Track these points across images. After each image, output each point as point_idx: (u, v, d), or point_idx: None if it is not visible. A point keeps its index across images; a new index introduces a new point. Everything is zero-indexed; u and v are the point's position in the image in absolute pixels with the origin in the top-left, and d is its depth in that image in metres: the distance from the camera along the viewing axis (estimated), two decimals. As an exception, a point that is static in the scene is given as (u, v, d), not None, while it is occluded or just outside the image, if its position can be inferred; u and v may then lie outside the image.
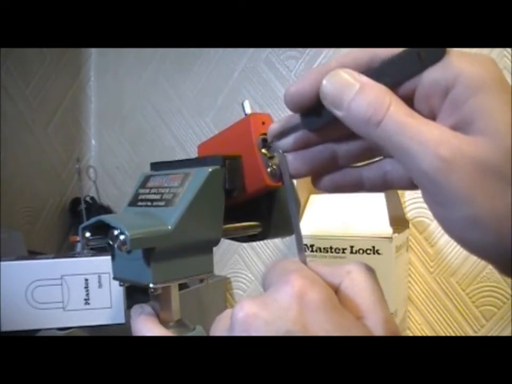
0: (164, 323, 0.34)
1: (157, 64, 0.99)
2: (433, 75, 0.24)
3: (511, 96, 0.23)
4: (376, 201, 0.58)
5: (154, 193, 0.36)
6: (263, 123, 0.34)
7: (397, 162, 0.25)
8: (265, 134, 0.33)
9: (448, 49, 0.24)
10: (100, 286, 0.55)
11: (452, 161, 0.22)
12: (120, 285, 0.36)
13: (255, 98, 0.85)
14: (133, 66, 1.04)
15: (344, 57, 0.26)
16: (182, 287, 0.45)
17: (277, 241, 0.83)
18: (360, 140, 0.27)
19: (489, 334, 0.67)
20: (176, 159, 0.40)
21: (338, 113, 0.25)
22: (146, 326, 0.33)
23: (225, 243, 0.84)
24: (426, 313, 0.71)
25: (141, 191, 0.37)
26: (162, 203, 0.34)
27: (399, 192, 0.68)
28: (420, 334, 0.72)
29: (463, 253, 0.68)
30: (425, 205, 0.25)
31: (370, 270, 0.26)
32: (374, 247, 0.55)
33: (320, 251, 0.58)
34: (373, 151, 0.28)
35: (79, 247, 0.96)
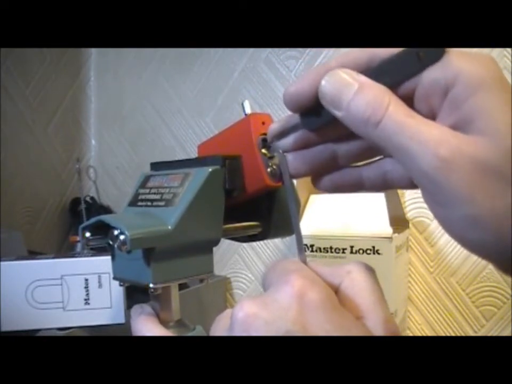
0: (163, 323, 0.34)
1: (157, 64, 0.99)
2: (432, 74, 0.24)
3: (511, 95, 0.23)
4: (376, 201, 0.58)
5: (154, 193, 0.36)
6: (263, 123, 0.34)
7: (397, 162, 0.25)
8: (265, 134, 0.33)
9: (447, 48, 0.24)
10: (100, 286, 0.55)
11: (452, 160, 0.22)
12: (120, 285, 0.36)
13: (255, 98, 0.85)
14: (133, 66, 1.04)
15: (344, 57, 0.26)
16: (182, 287, 0.45)
17: (277, 241, 0.83)
18: (360, 139, 0.27)
19: (489, 334, 0.67)
20: (176, 159, 0.40)
21: (338, 113, 0.25)
22: (146, 326, 0.33)
23: (225, 243, 0.84)
24: (426, 313, 0.71)
25: (141, 191, 0.37)
26: (162, 203, 0.34)
27: (399, 192, 0.68)
28: (420, 334, 0.72)
29: (463, 253, 0.68)
30: (425, 205, 0.25)
31: (370, 270, 0.26)
32: (374, 247, 0.55)
33: (320, 251, 0.58)
34: (373, 151, 0.28)
35: (79, 247, 0.96)
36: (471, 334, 0.68)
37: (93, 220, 0.33)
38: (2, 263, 0.54)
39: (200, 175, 0.34)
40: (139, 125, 1.04)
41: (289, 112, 0.28)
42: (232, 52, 0.88)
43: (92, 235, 0.33)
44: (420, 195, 0.25)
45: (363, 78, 0.25)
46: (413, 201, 0.71)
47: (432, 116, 0.24)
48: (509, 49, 0.63)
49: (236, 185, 0.35)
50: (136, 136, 1.04)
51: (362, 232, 0.56)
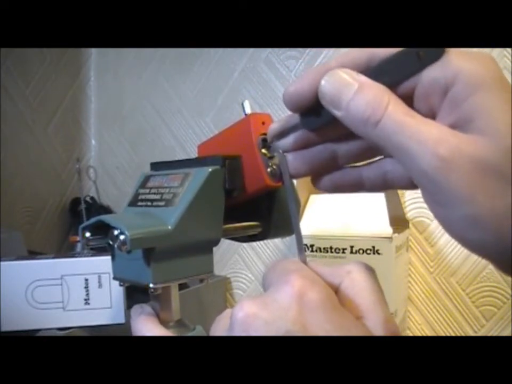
0: (163, 323, 0.34)
1: (157, 64, 0.99)
2: (432, 74, 0.24)
3: (511, 94, 0.23)
4: (376, 201, 0.58)
5: (154, 193, 0.36)
6: (263, 123, 0.34)
7: (397, 162, 0.25)
8: (265, 134, 0.33)
9: (447, 48, 0.24)
10: (100, 286, 0.55)
11: (451, 160, 0.22)
12: (120, 285, 0.36)
13: (255, 98, 0.85)
14: (133, 66, 1.04)
15: (343, 57, 0.26)
16: (182, 287, 0.45)
17: (277, 241, 0.83)
18: (360, 139, 0.27)
19: (489, 334, 0.67)
20: (176, 159, 0.40)
21: (337, 113, 0.25)
22: (146, 326, 0.33)
23: (225, 243, 0.84)
24: (426, 313, 0.71)
25: (141, 191, 0.37)
26: (162, 203, 0.34)
27: (399, 192, 0.68)
28: (420, 334, 0.72)
29: (463, 253, 0.68)
30: (425, 205, 0.25)
31: (370, 270, 0.26)
32: (374, 247, 0.55)
33: (320, 251, 0.58)
34: (373, 150, 0.28)
35: (79, 247, 0.96)
36: (471, 334, 0.68)
37: (93, 220, 0.33)
38: (2, 263, 0.54)
39: (200, 175, 0.34)
40: (139, 125, 1.04)
41: (289, 112, 0.28)
42: (232, 51, 0.88)
43: (92, 235, 0.33)
44: (420, 195, 0.25)
45: (363, 78, 0.25)
46: (413, 201, 0.71)
47: (431, 115, 0.24)
48: (509, 49, 0.63)
49: (236, 185, 0.35)
50: (136, 136, 1.04)
51: (362, 232, 0.56)
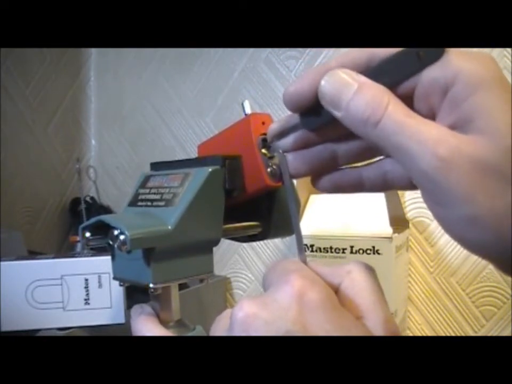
0: (163, 323, 0.34)
1: (157, 64, 0.99)
2: (432, 74, 0.24)
3: (511, 94, 0.23)
4: (376, 201, 0.58)
5: (154, 193, 0.36)
6: (263, 123, 0.34)
7: (396, 162, 0.25)
8: (265, 134, 0.33)
9: (447, 48, 0.24)
10: (100, 286, 0.55)
11: (451, 160, 0.22)
12: (120, 285, 0.36)
13: (255, 98, 0.85)
14: (133, 66, 1.04)
15: (343, 57, 0.26)
16: (182, 287, 0.45)
17: (277, 241, 0.83)
18: (360, 139, 0.27)
19: (489, 334, 0.67)
20: (176, 159, 0.40)
21: (337, 113, 0.25)
22: (146, 326, 0.33)
23: (225, 243, 0.84)
24: (426, 313, 0.71)
25: (141, 191, 0.37)
26: (162, 203, 0.34)
27: (399, 192, 0.68)
28: (420, 334, 0.72)
29: (463, 253, 0.68)
30: (425, 205, 0.25)
31: (371, 270, 0.26)
32: (374, 247, 0.55)
33: (320, 251, 0.58)
34: (372, 151, 0.28)
35: (79, 247, 0.96)
36: (471, 334, 0.68)
37: (93, 220, 0.33)
38: (2, 263, 0.54)
39: (200, 175, 0.34)
40: (139, 125, 1.04)
41: (289, 112, 0.28)
42: (232, 51, 0.88)
43: (92, 235, 0.33)
44: (420, 195, 0.25)
45: (362, 78, 0.25)
46: (413, 201, 0.71)
47: (431, 115, 0.24)
48: (509, 49, 0.63)
49: (236, 185, 0.35)
50: (136, 136, 1.04)
51: (362, 232, 0.56)
